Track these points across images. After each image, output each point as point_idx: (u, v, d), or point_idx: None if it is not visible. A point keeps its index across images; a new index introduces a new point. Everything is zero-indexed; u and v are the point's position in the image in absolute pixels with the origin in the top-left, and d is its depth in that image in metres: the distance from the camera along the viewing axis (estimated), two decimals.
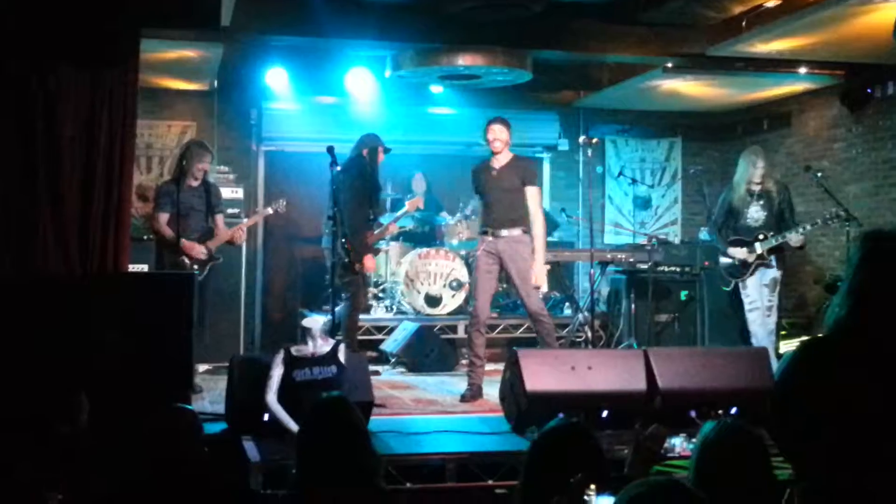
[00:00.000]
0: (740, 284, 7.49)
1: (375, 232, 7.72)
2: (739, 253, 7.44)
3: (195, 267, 7.13)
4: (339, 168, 6.71)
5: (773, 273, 7.40)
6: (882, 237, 2.79)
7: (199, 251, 7.21)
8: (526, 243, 6.72)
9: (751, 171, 7.49)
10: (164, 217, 7.19)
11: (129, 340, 5.11)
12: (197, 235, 7.28)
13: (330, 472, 2.86)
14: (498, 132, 6.84)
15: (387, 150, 7.69)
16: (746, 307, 7.46)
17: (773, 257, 7.41)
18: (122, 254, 6.13)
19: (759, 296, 7.42)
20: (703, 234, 9.45)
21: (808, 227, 7.39)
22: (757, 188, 7.48)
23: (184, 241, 7.08)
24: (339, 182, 6.73)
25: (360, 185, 7.31)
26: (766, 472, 2.62)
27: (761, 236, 7.37)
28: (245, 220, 8.14)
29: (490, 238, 6.72)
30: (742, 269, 7.46)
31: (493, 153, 6.86)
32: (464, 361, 8.70)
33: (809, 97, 9.78)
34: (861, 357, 2.60)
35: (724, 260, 7.61)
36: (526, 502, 2.74)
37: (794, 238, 7.27)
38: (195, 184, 7.34)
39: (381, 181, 7.79)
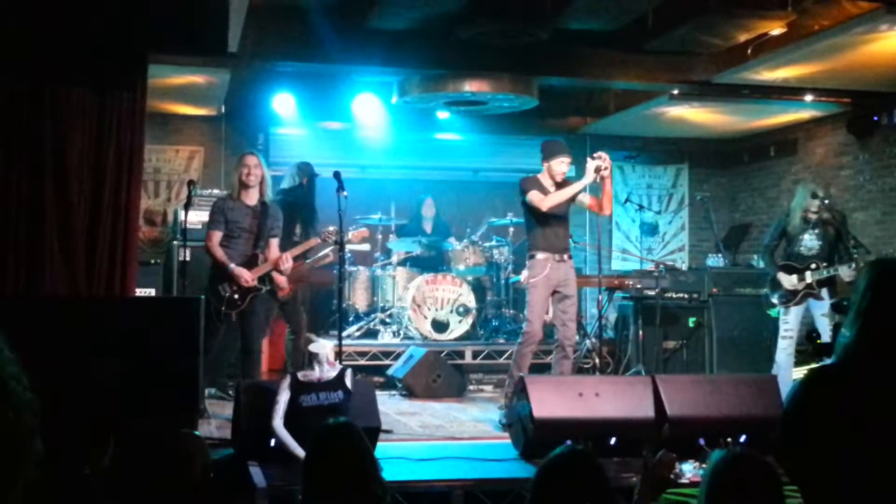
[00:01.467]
0: (782, 311, 7.36)
1: (310, 261, 7.77)
2: (787, 281, 7.32)
3: (236, 296, 6.60)
4: (276, 196, 7.02)
5: (827, 304, 7.15)
6: (889, 265, 2.79)
7: (246, 278, 6.58)
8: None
9: (808, 200, 7.34)
10: (215, 236, 6.65)
11: (135, 365, 5.10)
12: (237, 262, 6.65)
13: (336, 499, 2.84)
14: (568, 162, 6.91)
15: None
16: (781, 333, 7.36)
17: (824, 289, 7.25)
18: (130, 277, 6.16)
19: (796, 325, 7.33)
20: (711, 261, 9.43)
21: (853, 266, 7.10)
22: (814, 217, 7.35)
23: (233, 268, 6.54)
24: (276, 210, 6.86)
25: (292, 213, 7.42)
26: (776, 502, 2.60)
27: (813, 266, 7.24)
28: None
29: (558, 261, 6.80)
30: (789, 296, 7.33)
31: (555, 179, 6.84)
32: (471, 387, 8.68)
33: (816, 125, 9.80)
34: (868, 384, 2.59)
35: (773, 284, 7.47)
36: None
37: (845, 272, 7.09)
38: (250, 202, 6.75)
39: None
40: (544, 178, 6.92)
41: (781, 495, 2.55)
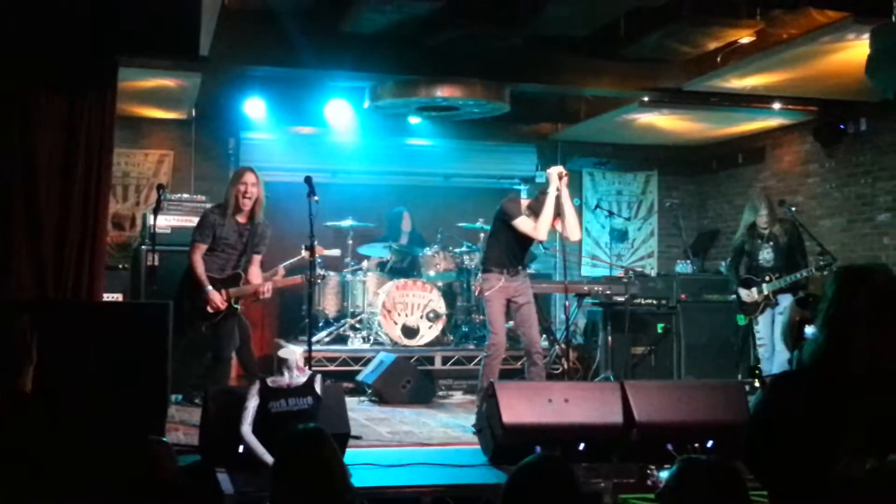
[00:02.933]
0: (753, 321, 7.86)
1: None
2: (745, 294, 7.86)
3: (209, 309, 6.52)
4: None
5: (784, 304, 7.62)
6: (855, 272, 2.83)
7: (218, 303, 6.52)
8: None
9: (754, 216, 7.86)
10: (200, 248, 6.54)
11: (103, 370, 5.05)
12: (221, 277, 6.62)
13: None
14: None
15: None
16: (757, 342, 7.86)
17: (784, 297, 7.64)
18: (98, 282, 6.10)
19: (767, 333, 7.75)
20: (680, 267, 9.52)
21: (804, 274, 7.62)
22: (765, 231, 7.81)
23: (209, 292, 6.47)
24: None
25: None
26: None
27: (768, 278, 7.72)
28: (276, 278, 7.59)
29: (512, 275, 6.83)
30: (751, 309, 7.86)
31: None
32: (441, 393, 8.68)
33: (783, 133, 9.91)
34: (835, 388, 2.63)
35: (737, 297, 8.01)
36: None
37: (801, 276, 7.59)
38: (242, 220, 6.66)
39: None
40: (524, 202, 6.97)
41: (748, 500, 2.57)
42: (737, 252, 8.06)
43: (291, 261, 8.05)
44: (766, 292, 7.73)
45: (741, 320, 7.97)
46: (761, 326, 7.78)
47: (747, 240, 7.91)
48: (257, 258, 6.80)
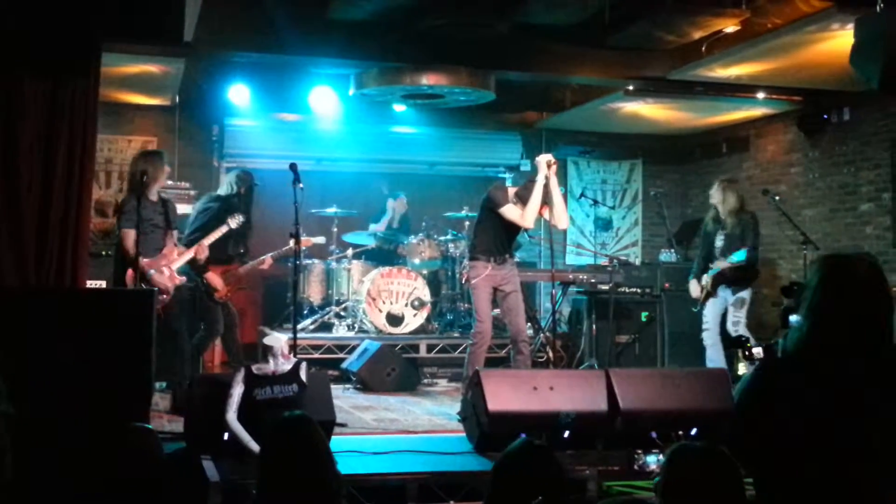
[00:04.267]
0: (701, 307, 7.85)
1: (248, 265, 7.81)
2: (693, 289, 7.92)
3: (164, 296, 6.64)
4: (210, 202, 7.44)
5: (738, 294, 7.65)
6: (839, 260, 2.84)
7: (166, 286, 6.70)
8: None
9: (713, 202, 7.84)
10: (132, 234, 6.56)
11: (86, 357, 5.02)
12: (158, 255, 6.77)
13: (292, 492, 2.82)
14: None
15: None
16: (702, 326, 7.83)
17: (721, 287, 7.68)
18: (81, 269, 6.07)
19: (712, 317, 7.75)
20: (664, 256, 9.54)
21: (731, 259, 7.56)
22: (723, 218, 7.77)
23: (154, 275, 6.60)
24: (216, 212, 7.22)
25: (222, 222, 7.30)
26: (736, 494, 2.61)
27: (713, 265, 7.72)
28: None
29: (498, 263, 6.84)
30: (696, 301, 7.91)
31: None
32: (425, 381, 8.69)
33: (767, 122, 9.94)
34: (818, 376, 2.64)
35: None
36: None
37: (721, 263, 7.62)
38: (155, 199, 6.85)
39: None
40: (510, 190, 6.97)
41: (740, 486, 2.58)
42: (701, 240, 8.13)
43: (281, 250, 8.00)
44: (703, 283, 7.76)
45: (695, 309, 7.95)
46: (707, 311, 7.76)
47: (709, 224, 7.92)
48: (174, 234, 7.04)
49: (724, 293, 7.69)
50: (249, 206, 7.67)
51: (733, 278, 7.62)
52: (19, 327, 4.92)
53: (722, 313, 7.75)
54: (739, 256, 7.46)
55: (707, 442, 2.67)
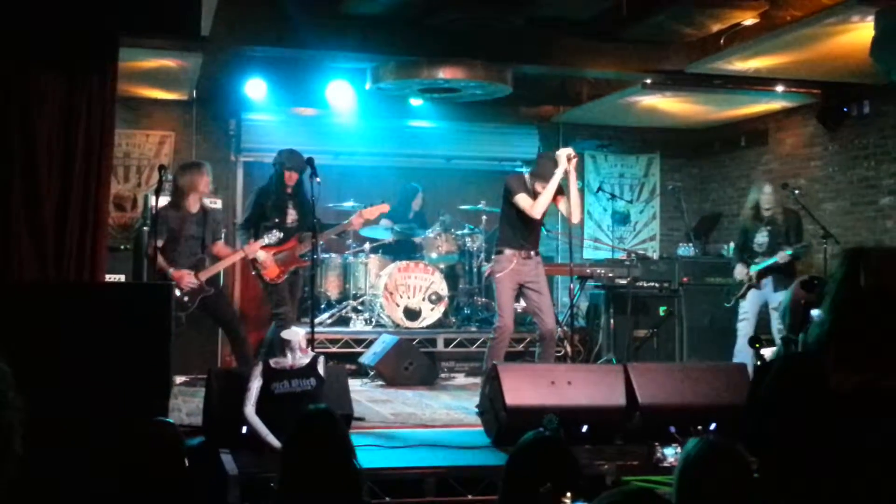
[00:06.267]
0: (740, 300, 7.79)
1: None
2: (739, 272, 7.83)
3: (185, 298, 6.86)
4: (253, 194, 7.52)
5: (779, 297, 7.48)
6: (863, 253, 2.81)
7: (189, 281, 6.90)
8: None
9: (758, 196, 7.81)
10: (158, 243, 6.75)
11: (105, 351, 5.03)
12: (187, 265, 6.95)
13: (315, 486, 2.81)
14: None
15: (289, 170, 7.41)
16: (739, 317, 7.77)
17: (767, 280, 7.64)
18: (99, 263, 6.09)
19: (751, 308, 7.72)
20: (682, 250, 9.49)
21: (789, 252, 7.58)
22: (767, 214, 7.76)
23: (173, 272, 6.79)
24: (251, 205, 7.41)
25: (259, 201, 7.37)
26: (749, 491, 2.61)
27: (758, 260, 7.69)
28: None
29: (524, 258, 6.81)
30: (737, 288, 7.85)
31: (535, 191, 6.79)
32: (443, 375, 8.69)
33: (786, 115, 9.87)
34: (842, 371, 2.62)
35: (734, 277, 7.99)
36: None
37: (782, 256, 7.56)
38: (195, 209, 7.06)
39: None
40: (527, 178, 6.92)
41: (752, 482, 2.57)
42: (740, 233, 8.08)
43: (341, 224, 7.92)
44: (751, 273, 7.71)
45: (727, 303, 7.92)
46: (747, 304, 7.73)
47: (749, 220, 7.90)
48: (220, 244, 7.42)
49: (767, 288, 7.66)
50: (281, 189, 7.36)
51: (787, 272, 7.61)
52: (39, 321, 4.94)
53: (761, 306, 7.75)
54: (799, 251, 7.60)
55: (718, 437, 2.65)
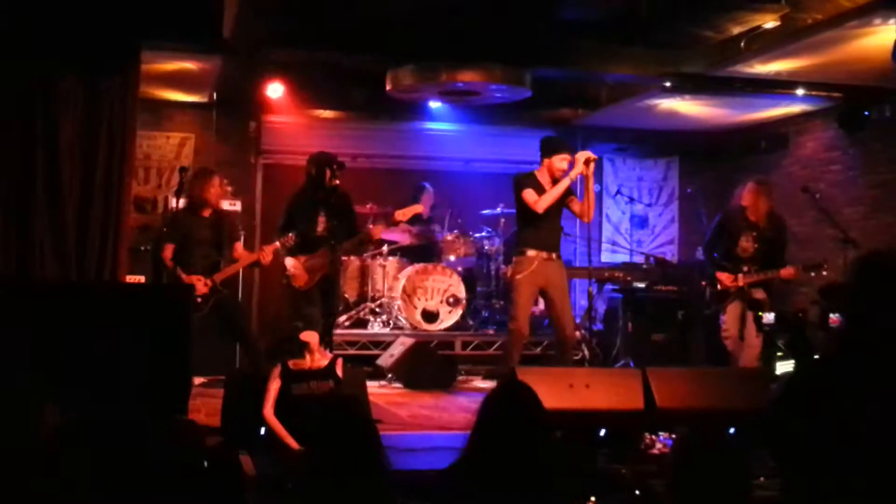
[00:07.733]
0: (720, 310, 7.50)
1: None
2: (725, 279, 7.47)
3: (198, 300, 6.87)
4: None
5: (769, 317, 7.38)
6: (881, 259, 2.80)
7: (201, 285, 6.93)
8: None
9: (747, 199, 7.56)
10: (170, 248, 6.92)
11: (126, 351, 5.07)
12: (200, 268, 7.02)
13: (344, 487, 2.71)
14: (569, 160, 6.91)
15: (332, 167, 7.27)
16: (722, 333, 7.50)
17: (757, 290, 7.43)
18: (120, 263, 6.14)
19: (733, 324, 7.45)
20: (700, 254, 9.46)
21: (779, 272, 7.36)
22: (753, 218, 7.52)
23: (184, 277, 6.85)
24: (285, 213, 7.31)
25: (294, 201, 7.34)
26: (741, 485, 2.58)
27: (745, 268, 7.43)
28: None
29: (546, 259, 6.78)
30: (723, 296, 7.49)
31: (554, 176, 6.80)
32: (461, 377, 8.69)
33: (807, 119, 9.81)
34: (860, 375, 2.61)
35: (711, 282, 7.62)
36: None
37: (786, 272, 7.34)
38: (207, 214, 7.14)
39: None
40: (542, 175, 6.91)
41: (743, 472, 2.55)
42: (715, 234, 7.68)
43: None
44: (740, 283, 7.39)
45: (707, 310, 7.60)
46: (728, 316, 7.40)
47: (731, 222, 7.57)
48: (239, 245, 7.38)
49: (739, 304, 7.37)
50: (310, 191, 7.32)
51: (772, 289, 7.41)
52: (60, 321, 4.98)
53: (741, 317, 7.44)
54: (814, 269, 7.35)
55: (712, 431, 2.64)
